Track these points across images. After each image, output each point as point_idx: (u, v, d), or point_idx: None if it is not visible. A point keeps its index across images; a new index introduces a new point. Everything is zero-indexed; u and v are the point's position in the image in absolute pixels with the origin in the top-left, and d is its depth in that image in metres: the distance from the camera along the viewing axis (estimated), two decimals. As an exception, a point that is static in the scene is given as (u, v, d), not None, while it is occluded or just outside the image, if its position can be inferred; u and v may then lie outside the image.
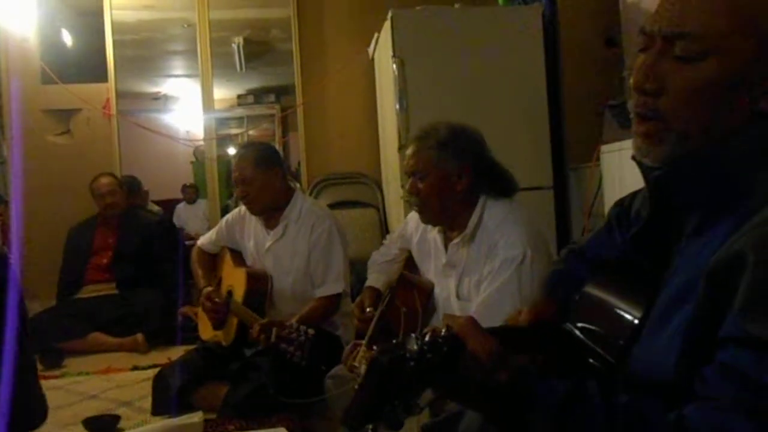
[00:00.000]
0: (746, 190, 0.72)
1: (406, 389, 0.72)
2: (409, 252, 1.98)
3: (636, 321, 0.81)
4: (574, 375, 0.74)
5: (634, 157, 0.83)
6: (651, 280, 0.82)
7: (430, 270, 1.84)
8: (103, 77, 4.63)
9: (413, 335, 0.72)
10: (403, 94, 3.43)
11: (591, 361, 0.83)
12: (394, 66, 3.45)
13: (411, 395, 0.73)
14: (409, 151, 1.75)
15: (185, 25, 5.16)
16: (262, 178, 2.41)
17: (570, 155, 3.65)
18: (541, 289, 1.15)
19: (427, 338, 0.71)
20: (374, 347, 1.56)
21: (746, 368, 0.62)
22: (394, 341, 0.72)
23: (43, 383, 2.90)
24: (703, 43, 0.74)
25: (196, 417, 2.17)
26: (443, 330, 0.72)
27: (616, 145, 2.82)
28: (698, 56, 0.74)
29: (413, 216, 1.89)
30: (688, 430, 0.65)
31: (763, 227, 0.66)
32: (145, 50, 5.90)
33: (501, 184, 1.73)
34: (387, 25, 3.60)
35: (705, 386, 0.66)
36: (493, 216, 1.67)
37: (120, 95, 4.75)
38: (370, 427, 0.74)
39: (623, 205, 1.04)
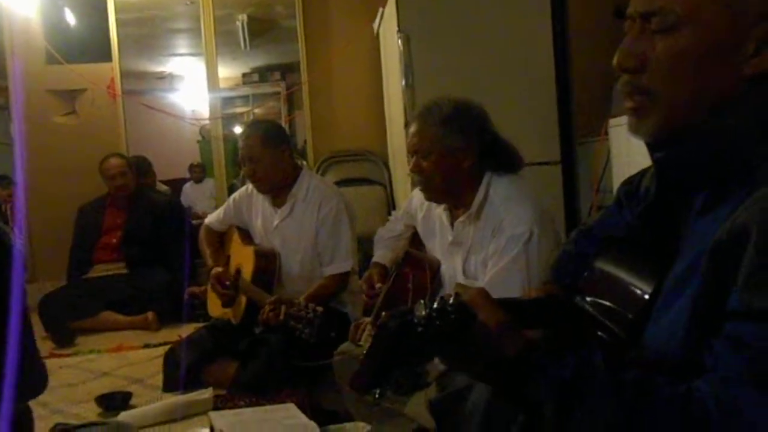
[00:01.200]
0: (750, 166, 0.72)
1: (414, 355, 0.72)
2: (415, 228, 1.98)
3: (646, 296, 0.81)
4: (583, 349, 0.74)
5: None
6: (660, 257, 0.82)
7: (435, 247, 1.83)
8: (107, 57, 4.62)
9: (422, 301, 0.72)
10: (408, 70, 3.40)
11: (601, 334, 0.83)
12: (400, 42, 3.41)
13: (418, 361, 0.73)
14: (412, 129, 1.72)
15: (188, 2, 5.11)
16: (269, 157, 2.40)
17: (578, 129, 3.61)
18: (550, 270, 1.15)
19: (436, 305, 0.71)
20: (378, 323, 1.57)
21: (753, 341, 0.62)
22: (403, 308, 0.72)
23: (56, 361, 2.99)
24: (677, 14, 0.75)
25: (206, 393, 2.21)
26: (452, 298, 0.72)
27: (625, 118, 2.79)
28: (673, 27, 0.75)
29: (418, 192, 1.88)
30: (697, 403, 0.65)
31: (764, 201, 0.65)
32: (148, 29, 5.85)
33: (506, 160, 1.71)
34: (392, 0, 3.55)
35: (715, 360, 0.66)
36: (499, 193, 1.65)
37: (125, 75, 4.73)
38: (377, 391, 0.75)
39: (632, 183, 1.04)
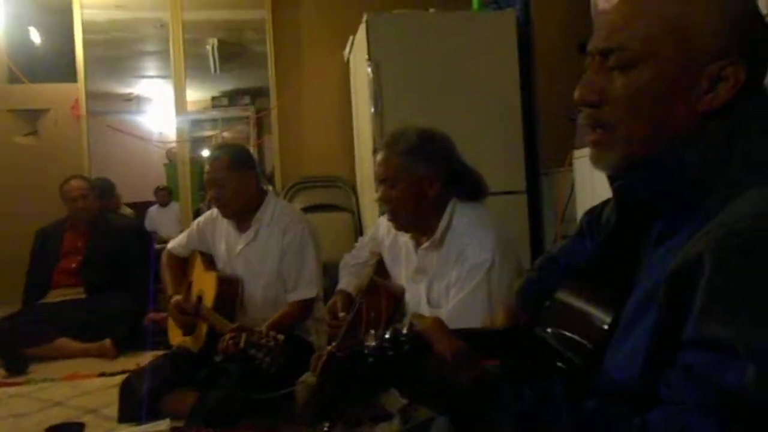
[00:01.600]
0: (704, 196, 0.74)
1: (364, 386, 0.70)
2: (381, 255, 1.96)
3: (605, 326, 0.82)
4: (542, 379, 0.73)
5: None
6: (620, 286, 0.83)
7: (401, 275, 1.83)
8: (72, 77, 4.55)
9: (372, 332, 0.70)
10: (378, 98, 3.43)
11: (560, 365, 0.83)
12: (369, 69, 3.44)
13: (370, 393, 0.72)
14: (378, 159, 1.73)
15: (158, 25, 5.09)
16: (235, 181, 2.37)
17: (543, 160, 3.68)
18: (514, 298, 1.15)
19: (388, 335, 0.70)
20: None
21: (707, 371, 0.63)
22: (353, 340, 0.71)
23: (6, 390, 2.87)
24: (633, 52, 0.78)
25: (163, 425, 2.14)
26: (406, 328, 0.71)
27: (589, 150, 2.85)
28: (630, 64, 0.78)
29: (384, 220, 1.88)
30: None
31: (718, 231, 0.66)
32: (116, 50, 5.80)
33: (472, 188, 1.73)
34: (362, 28, 3.59)
35: (669, 390, 0.66)
36: (462, 220, 1.66)
37: (91, 96, 4.66)
38: (327, 424, 0.73)
39: (594, 212, 1.06)
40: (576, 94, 0.83)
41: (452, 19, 3.63)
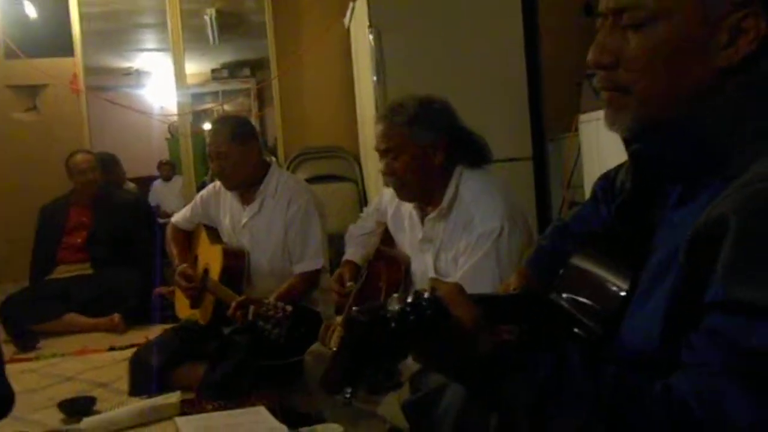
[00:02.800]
0: (725, 157, 0.71)
1: (386, 351, 0.69)
2: (386, 225, 1.95)
3: (622, 292, 0.80)
4: (560, 346, 0.72)
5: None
6: (637, 252, 0.81)
7: (405, 244, 1.81)
8: (69, 51, 4.49)
9: (395, 296, 0.69)
10: (379, 66, 3.37)
11: (577, 331, 0.82)
12: (371, 37, 3.38)
13: (391, 359, 0.71)
14: (378, 131, 1.69)
15: (155, -3, 5.01)
16: (237, 153, 2.35)
17: (549, 126, 3.63)
18: (525, 266, 1.14)
19: (410, 300, 0.68)
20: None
21: (733, 333, 0.61)
22: (374, 303, 0.69)
23: (18, 366, 2.89)
24: (648, 9, 0.75)
25: (174, 397, 2.15)
26: (427, 293, 0.69)
27: (595, 114, 2.80)
28: (645, 22, 0.75)
29: (388, 189, 1.86)
30: (676, 398, 0.64)
31: (743, 189, 0.65)
32: (113, 23, 5.72)
33: (476, 153, 1.69)
34: (362, -6, 3.52)
35: (692, 353, 0.65)
36: (469, 188, 1.63)
37: (90, 71, 4.62)
38: (349, 390, 0.72)
39: (608, 178, 1.04)
40: (589, 56, 0.80)
41: (454, -17, 3.54)
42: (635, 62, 0.76)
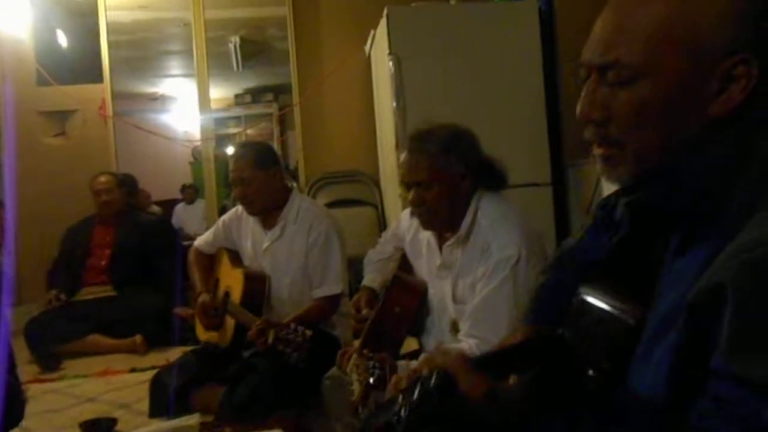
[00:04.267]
0: (722, 207, 0.69)
1: None
2: (404, 250, 1.96)
3: (631, 322, 0.79)
4: (572, 390, 0.72)
5: None
6: (643, 287, 0.80)
7: (423, 270, 1.81)
8: (98, 78, 4.62)
9: (401, 397, 0.71)
10: (399, 92, 3.42)
11: (590, 372, 0.81)
12: (391, 63, 3.43)
13: None
14: (405, 161, 1.67)
15: (181, 25, 5.14)
16: (260, 179, 2.39)
17: (568, 151, 3.63)
18: (530, 304, 1.12)
19: (417, 394, 0.70)
20: (364, 351, 1.55)
21: (741, 407, 0.60)
22: (384, 403, 0.71)
23: (40, 387, 2.94)
24: (632, 67, 0.73)
25: (193, 419, 2.17)
26: (433, 377, 0.71)
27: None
28: (631, 80, 0.73)
29: (406, 214, 1.87)
30: None
31: (739, 256, 0.62)
32: (141, 50, 5.87)
33: (496, 179, 1.69)
34: (383, 22, 3.58)
35: (701, 420, 0.64)
36: (486, 215, 1.63)
37: (117, 96, 4.73)
38: None
39: (608, 206, 1.00)
40: (578, 111, 0.78)
41: (474, 11, 3.60)
42: (626, 118, 0.74)
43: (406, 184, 1.69)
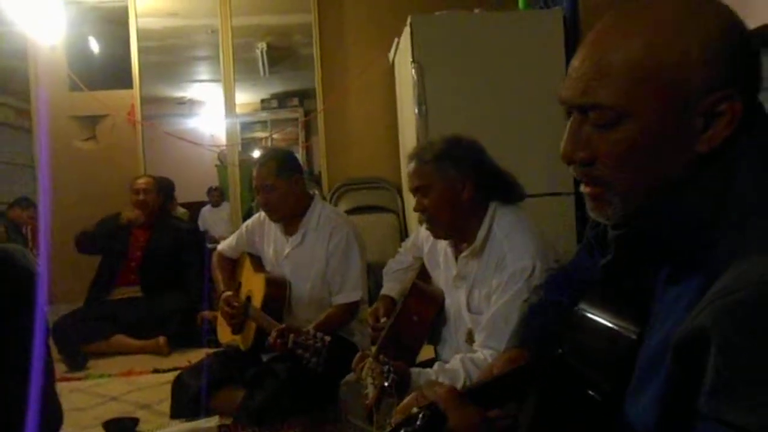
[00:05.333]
0: (710, 242, 0.68)
1: None
2: (423, 260, 1.98)
3: (630, 336, 0.79)
4: (572, 411, 0.73)
5: None
6: (639, 304, 0.80)
7: (440, 280, 1.83)
8: (128, 84, 4.72)
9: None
10: (422, 100, 3.43)
11: (591, 393, 0.81)
12: (414, 71, 3.45)
13: None
14: (409, 170, 1.73)
15: (209, 32, 5.23)
16: (282, 187, 2.42)
17: (591, 160, 3.60)
18: (517, 326, 1.12)
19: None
20: (380, 357, 1.56)
21: None
22: None
23: (67, 385, 3.00)
24: (614, 110, 0.72)
25: (213, 421, 2.21)
26: (421, 414, 0.72)
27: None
28: (614, 122, 0.72)
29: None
30: None
31: (722, 299, 0.61)
32: (170, 56, 5.99)
33: (507, 190, 1.71)
34: (407, 30, 3.60)
35: None
36: (502, 227, 1.65)
37: (145, 100, 4.83)
38: None
39: (600, 225, 0.99)
40: (562, 150, 0.77)
41: (498, 19, 3.60)
42: (612, 159, 0.73)
43: (411, 191, 1.75)
